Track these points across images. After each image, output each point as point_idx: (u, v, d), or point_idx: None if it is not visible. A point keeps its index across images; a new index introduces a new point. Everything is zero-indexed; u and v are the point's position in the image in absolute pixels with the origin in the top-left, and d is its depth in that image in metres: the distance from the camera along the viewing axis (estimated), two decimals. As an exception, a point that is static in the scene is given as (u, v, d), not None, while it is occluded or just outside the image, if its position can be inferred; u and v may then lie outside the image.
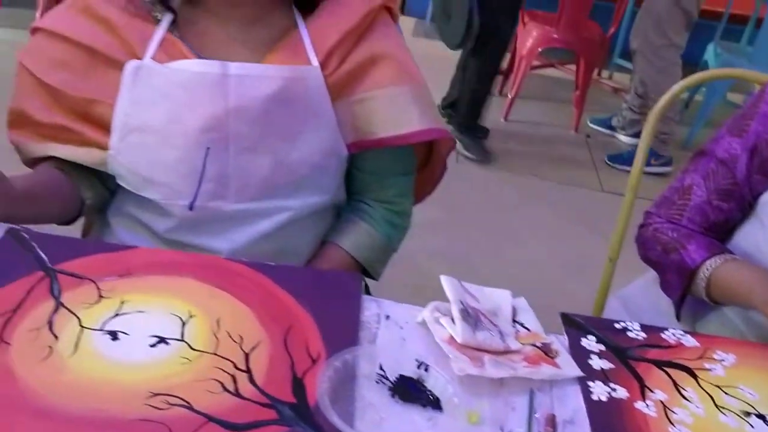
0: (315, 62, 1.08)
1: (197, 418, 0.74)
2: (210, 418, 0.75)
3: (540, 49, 3.74)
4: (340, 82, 1.10)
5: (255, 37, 1.09)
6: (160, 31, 1.05)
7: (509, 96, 3.85)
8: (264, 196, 1.10)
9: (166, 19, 1.06)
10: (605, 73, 4.78)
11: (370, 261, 1.21)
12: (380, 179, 1.22)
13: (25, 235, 0.96)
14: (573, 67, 4.08)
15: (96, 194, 1.14)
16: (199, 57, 1.05)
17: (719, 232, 1.15)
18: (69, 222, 1.15)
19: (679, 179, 1.21)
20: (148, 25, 1.06)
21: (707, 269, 1.09)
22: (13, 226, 0.97)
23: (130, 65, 1.03)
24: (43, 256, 0.93)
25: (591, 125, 3.96)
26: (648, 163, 3.43)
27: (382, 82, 1.11)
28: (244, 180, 1.08)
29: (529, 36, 3.75)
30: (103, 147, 1.07)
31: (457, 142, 3.27)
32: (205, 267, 0.97)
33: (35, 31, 1.09)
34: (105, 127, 1.06)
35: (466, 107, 3.38)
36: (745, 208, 1.12)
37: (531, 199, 3.16)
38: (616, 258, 1.50)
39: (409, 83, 1.13)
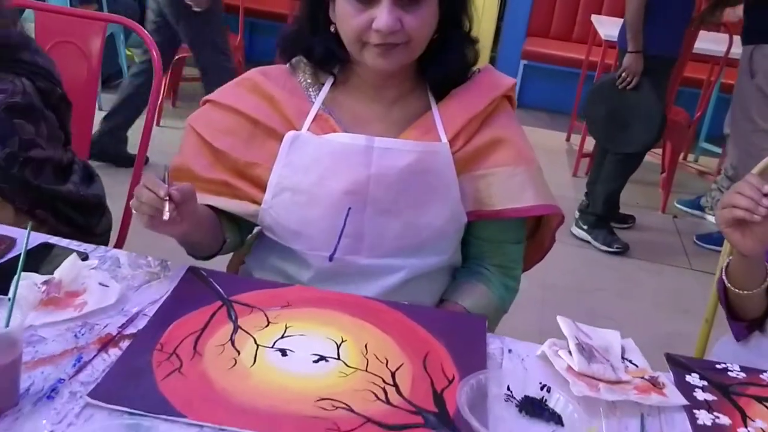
0: (444, 140, 1.24)
1: (358, 419, 0.89)
2: (368, 419, 0.89)
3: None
4: (465, 158, 1.26)
5: (394, 116, 1.27)
6: (314, 109, 1.25)
7: (597, 178, 3.96)
8: (392, 254, 1.25)
9: (320, 98, 1.26)
10: (691, 157, 4.84)
11: (486, 315, 1.32)
12: (496, 247, 1.35)
13: (204, 273, 1.15)
14: (659, 150, 4.18)
15: (234, 238, 1.32)
16: (346, 131, 1.23)
17: None
18: (209, 257, 1.31)
19: None
20: (304, 102, 1.26)
21: (724, 267, 1.26)
22: (193, 265, 1.17)
23: (289, 135, 1.22)
24: (220, 289, 1.12)
25: (679, 206, 4.02)
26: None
27: (502, 162, 1.27)
28: (377, 238, 1.23)
29: (615, 120, 3.89)
30: (257, 202, 1.25)
31: (592, 240, 3.45)
32: (350, 304, 1.13)
33: (206, 102, 1.31)
34: (260, 185, 1.25)
35: (602, 204, 3.50)
36: None
37: (623, 276, 3.23)
38: (712, 319, 1.59)
39: (526, 165, 1.28)
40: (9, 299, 0.84)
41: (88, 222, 1.49)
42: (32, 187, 1.39)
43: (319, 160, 1.21)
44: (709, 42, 3.91)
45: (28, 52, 1.42)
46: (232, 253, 1.42)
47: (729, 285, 1.24)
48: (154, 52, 1.80)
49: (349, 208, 1.21)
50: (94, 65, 1.82)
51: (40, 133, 1.40)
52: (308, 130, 1.23)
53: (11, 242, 1.18)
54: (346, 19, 1.15)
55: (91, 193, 1.53)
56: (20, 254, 1.12)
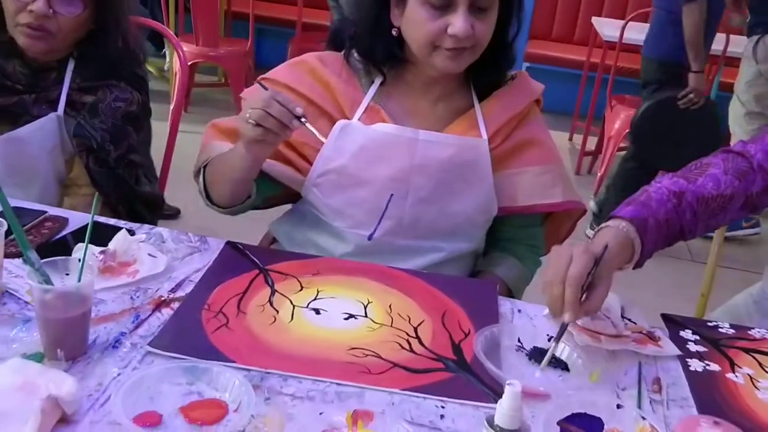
0: (485, 136, 1.35)
1: (386, 364, 1.00)
2: (396, 364, 1.01)
3: (627, 131, 3.97)
4: (502, 155, 1.37)
5: (439, 111, 1.36)
6: (366, 100, 1.34)
7: (598, 174, 4.08)
8: (426, 237, 1.36)
9: (372, 91, 1.35)
10: (693, 155, 4.95)
11: (516, 286, 1.46)
12: (524, 230, 1.48)
13: (240, 246, 1.27)
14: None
15: (254, 200, 1.34)
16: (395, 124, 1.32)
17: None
18: (228, 209, 1.34)
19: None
20: (357, 92, 1.35)
21: None
22: (230, 240, 1.28)
23: (340, 123, 1.32)
24: (256, 260, 1.23)
25: None
26: (739, 227, 3.59)
27: (535, 161, 1.39)
28: (414, 222, 1.33)
29: (616, 118, 4.01)
30: (304, 175, 1.35)
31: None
32: (374, 271, 1.24)
33: (262, 79, 1.33)
34: (309, 162, 1.34)
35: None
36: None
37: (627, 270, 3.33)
38: (708, 293, 1.70)
39: (554, 164, 1.42)
40: (79, 260, 0.96)
41: (152, 219, 1.63)
42: (126, 186, 1.56)
43: (366, 147, 1.31)
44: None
45: (141, 67, 1.58)
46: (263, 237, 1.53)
47: None
48: (180, 53, 1.93)
49: (392, 195, 1.31)
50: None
51: (139, 141, 1.58)
52: (359, 119, 1.32)
53: (64, 222, 1.29)
54: (420, 23, 1.23)
55: (158, 193, 1.71)
56: (73, 230, 1.26)
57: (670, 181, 1.22)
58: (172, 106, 4.15)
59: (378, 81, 1.35)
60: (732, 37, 3.88)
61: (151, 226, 1.33)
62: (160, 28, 1.95)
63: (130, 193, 1.58)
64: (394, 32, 1.29)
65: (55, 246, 1.22)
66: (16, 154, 1.43)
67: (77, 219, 1.31)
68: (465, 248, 1.41)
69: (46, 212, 1.30)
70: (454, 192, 1.34)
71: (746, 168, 1.22)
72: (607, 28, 4.27)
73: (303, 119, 1.14)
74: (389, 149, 1.31)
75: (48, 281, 0.93)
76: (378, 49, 1.31)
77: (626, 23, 3.90)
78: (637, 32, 4.01)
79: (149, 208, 1.65)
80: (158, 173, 1.76)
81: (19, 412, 0.81)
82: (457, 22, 1.21)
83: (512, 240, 1.48)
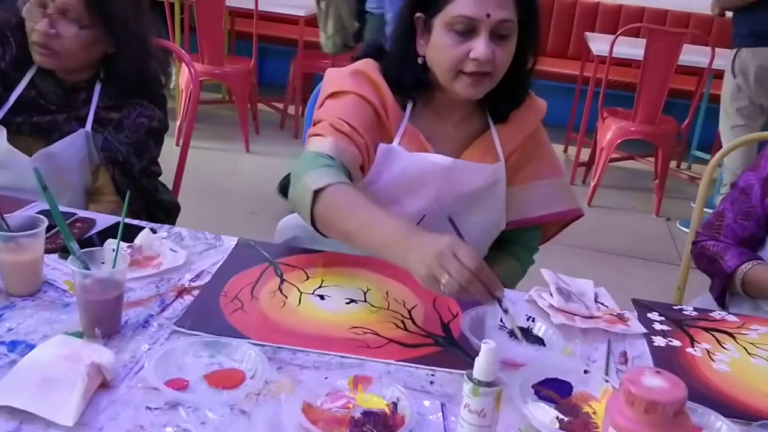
0: (502, 158, 1.48)
1: (383, 340, 1.14)
2: (391, 340, 1.14)
3: (619, 141, 4.12)
4: (512, 172, 1.51)
5: (459, 134, 1.48)
6: (404, 123, 1.43)
7: (592, 184, 4.22)
8: None
9: (407, 114, 1.43)
10: (684, 165, 5.09)
11: (511, 282, 1.59)
12: (524, 232, 1.61)
13: (251, 242, 1.41)
14: (653, 159, 4.44)
15: None
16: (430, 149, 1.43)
17: (750, 245, 1.50)
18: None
19: (717, 207, 1.57)
20: (398, 108, 1.43)
21: (742, 272, 1.45)
22: (242, 237, 1.42)
23: (382, 147, 1.40)
24: (266, 254, 1.37)
25: (680, 227, 4.08)
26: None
27: (542, 175, 1.54)
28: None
29: (608, 129, 4.15)
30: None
31: None
32: (373, 263, 1.37)
33: (330, 95, 1.41)
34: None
35: None
36: (762, 225, 1.47)
37: (617, 270, 3.47)
38: (683, 287, 1.84)
39: (558, 176, 1.57)
40: (113, 250, 1.10)
41: (170, 224, 1.77)
42: (148, 195, 1.72)
43: (406, 170, 1.41)
44: (694, 54, 4.17)
45: (163, 88, 1.74)
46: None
47: (740, 288, 1.49)
48: (191, 70, 2.08)
49: (424, 215, 1.44)
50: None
51: (157, 153, 1.74)
52: (399, 143, 1.42)
53: (92, 223, 1.43)
54: (445, 49, 1.34)
55: (173, 200, 1.87)
56: (99, 230, 1.40)
57: None
58: (178, 122, 4.34)
59: (410, 104, 1.45)
60: (717, 50, 4.03)
61: (170, 226, 1.47)
62: (172, 47, 2.10)
63: (151, 201, 1.74)
64: (419, 60, 1.41)
65: (84, 243, 1.36)
66: (50, 168, 1.57)
67: (103, 221, 1.45)
68: None
69: (76, 214, 1.44)
70: (473, 210, 1.47)
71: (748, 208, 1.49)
72: (598, 42, 4.42)
73: (501, 301, 1.04)
74: (429, 175, 1.42)
75: (87, 267, 1.07)
76: (407, 77, 1.42)
77: (616, 38, 4.04)
78: (627, 47, 4.17)
79: (167, 215, 1.80)
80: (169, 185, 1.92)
81: (66, 377, 0.94)
82: (479, 47, 1.31)
83: (512, 242, 1.61)
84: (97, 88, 1.65)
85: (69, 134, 1.61)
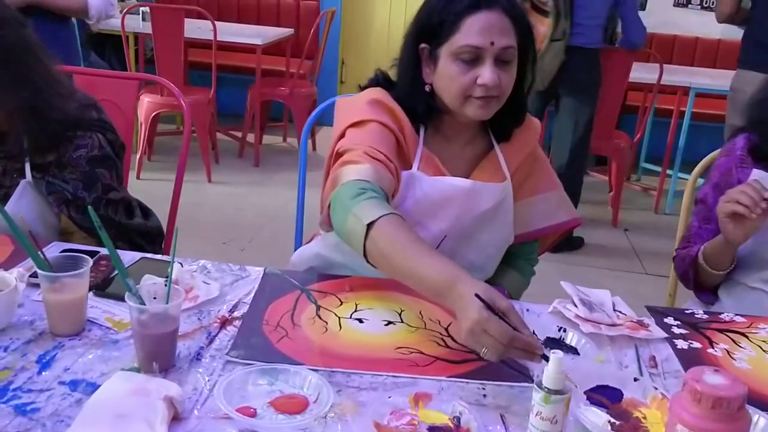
0: (508, 176, 1.55)
1: (429, 358, 1.18)
2: (437, 358, 1.18)
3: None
4: (516, 188, 1.58)
5: (466, 155, 1.54)
6: (420, 146, 1.48)
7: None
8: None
9: (421, 139, 1.49)
10: (634, 177, 5.29)
11: (516, 294, 1.67)
12: (525, 245, 1.68)
13: (278, 272, 1.43)
14: (605, 174, 4.61)
15: None
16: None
17: None
18: None
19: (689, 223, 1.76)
20: (415, 136, 1.49)
21: (701, 251, 1.62)
22: (267, 267, 1.45)
23: (405, 174, 1.45)
24: (295, 282, 1.40)
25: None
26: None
27: (542, 189, 1.62)
28: (452, 255, 1.45)
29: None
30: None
31: None
32: (401, 286, 1.41)
33: (351, 125, 1.44)
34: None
35: None
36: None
37: (583, 281, 3.57)
38: (674, 293, 1.93)
39: (556, 189, 1.65)
40: (165, 285, 1.11)
41: (154, 249, 1.74)
42: (114, 223, 1.65)
43: (427, 194, 1.46)
44: (643, 71, 4.36)
45: (95, 111, 1.66)
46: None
47: (704, 264, 1.62)
48: (185, 104, 2.09)
49: (445, 236, 1.50)
50: (129, 117, 2.09)
51: (113, 178, 1.66)
52: (418, 168, 1.47)
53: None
54: (453, 77, 1.40)
55: (154, 225, 1.80)
56: (121, 266, 1.39)
57: None
58: (138, 156, 4.31)
59: (422, 129, 1.51)
60: (665, 66, 4.23)
61: (194, 259, 1.48)
62: (163, 83, 2.11)
63: (120, 228, 1.67)
64: (426, 88, 1.47)
65: (111, 282, 1.36)
66: (19, 223, 1.53)
67: (125, 257, 1.45)
68: (488, 273, 1.61)
69: (99, 252, 1.44)
70: (487, 228, 1.54)
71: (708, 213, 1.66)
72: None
73: (547, 357, 1.00)
74: (450, 198, 1.48)
75: (143, 303, 1.08)
76: (418, 105, 1.47)
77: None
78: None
79: (148, 240, 1.75)
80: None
81: (137, 412, 0.96)
82: (486, 74, 1.38)
83: (514, 255, 1.67)
84: (24, 137, 1.56)
85: (13, 188, 1.56)
